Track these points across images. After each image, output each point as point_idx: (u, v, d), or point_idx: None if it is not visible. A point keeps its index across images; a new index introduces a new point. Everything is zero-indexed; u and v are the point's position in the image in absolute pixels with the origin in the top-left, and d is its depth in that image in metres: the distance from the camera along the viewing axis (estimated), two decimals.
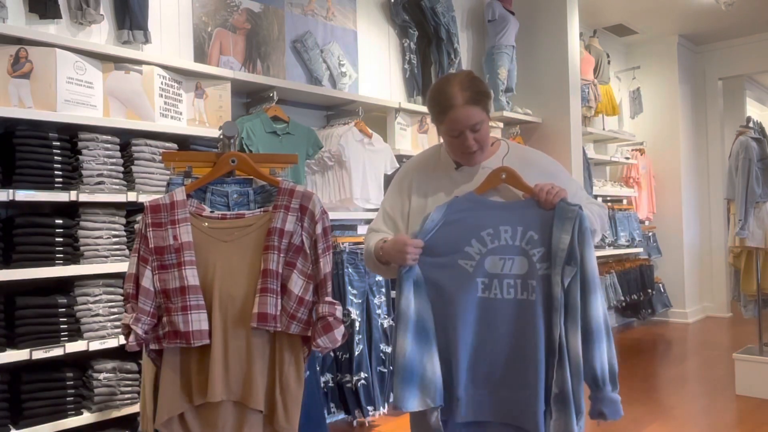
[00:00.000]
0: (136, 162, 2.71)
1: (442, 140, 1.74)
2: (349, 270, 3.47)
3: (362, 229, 3.82)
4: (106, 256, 2.60)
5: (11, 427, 2.36)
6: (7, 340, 2.36)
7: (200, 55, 3.29)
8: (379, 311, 3.59)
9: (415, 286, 1.56)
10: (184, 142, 2.95)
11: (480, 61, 5.08)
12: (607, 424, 3.59)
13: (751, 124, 4.32)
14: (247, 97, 3.52)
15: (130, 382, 2.62)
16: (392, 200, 1.79)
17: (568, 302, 1.48)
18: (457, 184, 1.69)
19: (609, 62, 6.38)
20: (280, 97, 3.39)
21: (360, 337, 3.44)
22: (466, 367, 1.54)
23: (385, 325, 3.63)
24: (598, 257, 6.10)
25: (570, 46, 5.05)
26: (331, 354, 3.41)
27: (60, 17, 2.69)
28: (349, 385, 3.42)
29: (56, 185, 2.50)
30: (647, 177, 6.81)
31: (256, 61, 3.55)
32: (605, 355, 1.50)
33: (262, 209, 1.75)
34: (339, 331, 1.65)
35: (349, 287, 3.45)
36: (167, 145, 2.82)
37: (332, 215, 3.47)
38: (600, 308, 1.50)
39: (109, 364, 2.59)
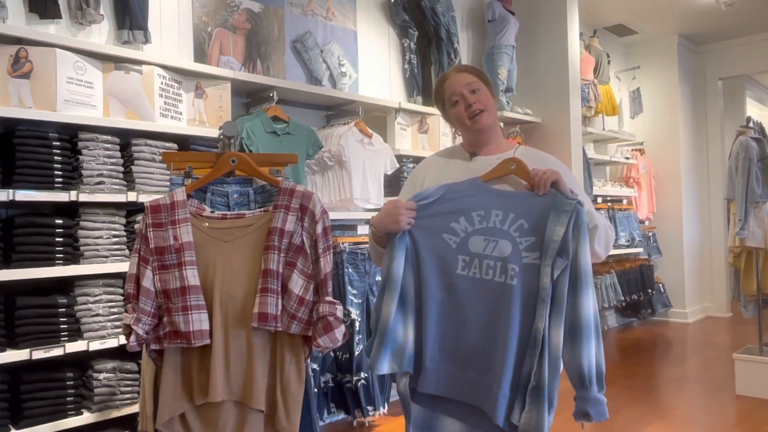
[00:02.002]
0: (136, 162, 2.71)
1: (458, 138, 1.81)
2: (349, 270, 3.47)
3: (362, 229, 3.82)
4: (106, 256, 2.60)
5: (11, 427, 2.36)
6: (7, 340, 2.36)
7: (200, 55, 3.29)
8: None
9: (407, 253, 1.58)
10: (184, 142, 2.95)
11: (480, 61, 5.08)
12: (596, 425, 3.59)
13: (751, 124, 4.32)
14: (247, 97, 3.52)
15: (130, 382, 2.62)
16: (405, 194, 1.80)
17: (555, 295, 1.46)
18: (472, 174, 1.69)
19: (609, 62, 6.38)
20: (280, 97, 3.39)
21: (360, 337, 3.44)
22: (435, 340, 1.54)
23: None
24: None
25: (570, 46, 5.05)
26: (331, 354, 3.41)
27: (60, 17, 2.69)
28: (349, 385, 3.42)
29: (56, 185, 2.50)
30: (647, 177, 6.81)
31: (256, 61, 3.55)
32: (593, 354, 1.46)
33: (262, 209, 1.74)
34: (339, 331, 1.65)
35: (349, 287, 3.45)
36: (167, 145, 2.82)
37: (332, 215, 3.47)
38: (590, 305, 1.47)
39: (109, 364, 2.59)
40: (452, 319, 1.54)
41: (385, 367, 1.53)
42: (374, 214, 3.95)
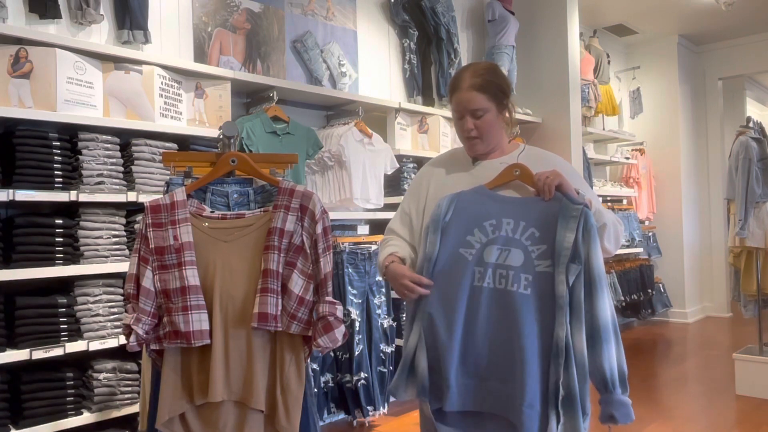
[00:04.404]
0: (136, 162, 2.71)
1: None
2: (349, 270, 3.47)
3: (362, 229, 3.82)
4: (106, 256, 2.60)
5: (11, 427, 2.36)
6: (7, 340, 2.36)
7: (200, 55, 3.29)
8: (379, 311, 3.59)
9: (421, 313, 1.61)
10: (184, 142, 2.95)
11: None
12: (596, 425, 3.58)
13: (751, 124, 4.32)
14: (247, 97, 3.52)
15: (130, 382, 2.62)
16: (409, 198, 1.81)
17: (572, 301, 1.46)
18: (475, 179, 1.69)
19: (609, 62, 6.38)
20: (280, 97, 3.39)
21: (360, 337, 3.44)
22: (457, 356, 1.53)
23: (385, 325, 3.63)
24: None
25: (570, 46, 5.05)
26: (331, 354, 3.41)
27: (60, 17, 2.69)
28: (349, 385, 3.42)
29: (56, 185, 2.50)
30: (647, 177, 6.81)
31: (256, 61, 3.55)
32: (614, 357, 1.46)
33: (262, 209, 1.74)
34: (339, 331, 1.65)
35: (349, 287, 3.45)
36: (167, 145, 2.82)
37: (332, 215, 3.47)
38: (607, 308, 1.47)
39: (109, 364, 2.59)
40: (470, 332, 1.54)
41: (404, 395, 1.59)
42: (374, 214, 3.94)
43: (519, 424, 1.44)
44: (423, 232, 1.66)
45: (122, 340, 2.56)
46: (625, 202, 6.61)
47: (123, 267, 2.60)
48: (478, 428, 1.55)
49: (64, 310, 2.49)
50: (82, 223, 2.57)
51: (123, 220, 2.68)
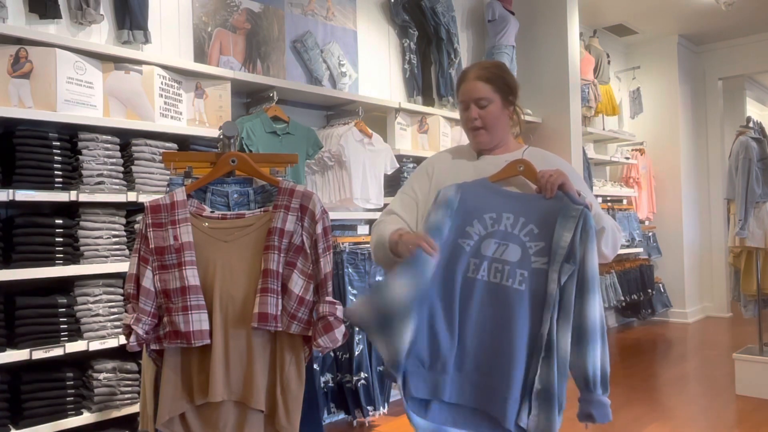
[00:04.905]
0: (136, 162, 2.71)
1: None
2: (349, 270, 3.47)
3: (362, 229, 3.82)
4: (106, 256, 2.60)
5: (11, 427, 2.36)
6: (7, 340, 2.36)
7: (200, 55, 3.29)
8: None
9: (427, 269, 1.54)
10: (184, 142, 2.95)
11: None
12: (598, 426, 3.59)
13: (751, 124, 4.32)
14: (247, 97, 3.52)
15: (130, 382, 2.62)
16: (412, 183, 1.81)
17: (563, 300, 1.47)
18: (478, 173, 1.70)
19: (609, 62, 6.38)
20: (280, 97, 3.39)
21: (360, 337, 3.44)
22: (450, 348, 1.53)
23: None
24: None
25: (570, 46, 5.05)
26: (331, 354, 3.41)
27: (60, 17, 2.69)
28: (349, 385, 3.42)
29: (56, 185, 2.50)
30: (647, 177, 6.81)
31: (256, 61, 3.55)
32: (598, 358, 1.48)
33: (262, 209, 1.75)
34: (339, 331, 1.65)
35: (349, 287, 3.45)
36: (167, 145, 2.82)
37: (332, 215, 3.47)
38: (597, 309, 1.48)
39: (109, 364, 2.59)
40: (462, 324, 1.54)
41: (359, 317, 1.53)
42: (374, 214, 3.94)
43: (501, 417, 1.46)
44: (432, 206, 1.64)
45: (122, 340, 2.56)
46: (625, 202, 6.61)
47: (123, 267, 2.60)
48: (453, 421, 1.54)
49: (64, 310, 2.48)
50: (82, 223, 2.57)
51: (123, 220, 2.68)
